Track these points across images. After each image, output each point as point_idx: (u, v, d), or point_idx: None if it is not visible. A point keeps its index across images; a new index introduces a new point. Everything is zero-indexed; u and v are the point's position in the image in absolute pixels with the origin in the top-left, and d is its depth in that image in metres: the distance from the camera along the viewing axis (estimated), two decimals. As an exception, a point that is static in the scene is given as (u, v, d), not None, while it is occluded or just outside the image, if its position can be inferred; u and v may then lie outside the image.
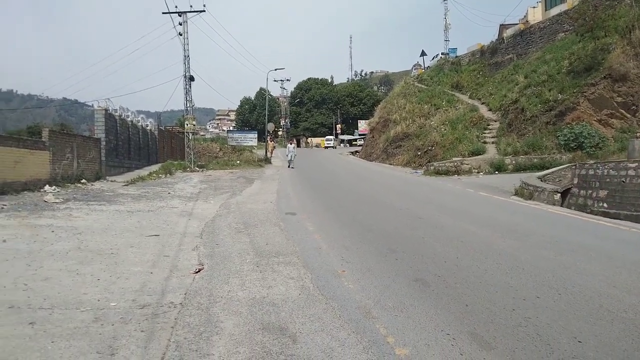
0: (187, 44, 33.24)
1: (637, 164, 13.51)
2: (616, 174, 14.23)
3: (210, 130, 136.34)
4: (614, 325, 4.92)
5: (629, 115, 23.36)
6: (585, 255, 8.02)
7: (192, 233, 9.94)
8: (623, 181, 13.88)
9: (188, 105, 33.91)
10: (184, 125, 36.11)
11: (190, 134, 34.86)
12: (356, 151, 62.20)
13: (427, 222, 11.39)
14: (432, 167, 28.04)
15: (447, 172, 26.30)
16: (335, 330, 4.80)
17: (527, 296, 5.82)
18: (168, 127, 42.11)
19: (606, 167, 14.79)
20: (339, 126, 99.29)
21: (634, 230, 11.26)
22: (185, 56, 33.32)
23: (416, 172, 29.75)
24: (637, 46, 23.30)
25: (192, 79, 33.77)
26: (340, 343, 4.48)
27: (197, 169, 31.88)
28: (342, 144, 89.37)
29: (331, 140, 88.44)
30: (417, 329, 4.82)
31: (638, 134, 21.19)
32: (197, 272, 6.97)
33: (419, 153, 34.60)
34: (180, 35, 32.86)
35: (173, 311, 5.36)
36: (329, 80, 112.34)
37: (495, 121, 33.41)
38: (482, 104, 38.75)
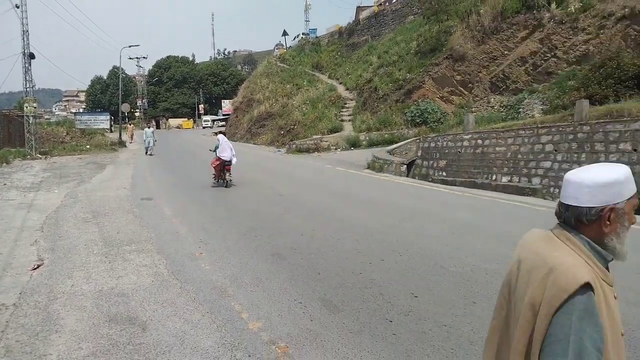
0: (26, 18, 29.17)
1: (470, 135, 15.30)
2: (453, 145, 15.99)
3: (56, 113, 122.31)
4: (445, 279, 5.56)
5: (466, 92, 26.21)
6: (424, 220, 8.92)
7: (32, 227, 8.93)
8: (459, 151, 15.66)
9: (28, 85, 29.97)
10: (23, 108, 31.89)
11: (31, 118, 30.95)
12: (220, 132, 60.82)
13: (288, 198, 11.67)
14: (294, 146, 28.69)
15: (308, 150, 27.13)
16: (189, 313, 4.72)
17: (373, 260, 6.30)
18: (5, 111, 36.85)
19: (445, 139, 16.54)
20: (202, 106, 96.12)
21: (467, 194, 12.78)
22: (23, 31, 29.22)
23: (279, 151, 30.19)
24: (474, 29, 26.05)
25: (32, 56, 29.77)
26: (193, 325, 4.42)
27: (40, 156, 28.54)
28: (207, 125, 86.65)
29: (209, 121, 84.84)
30: (271, 302, 4.95)
31: (473, 109, 23.95)
32: (35, 269, 6.31)
33: (282, 132, 35.11)
34: (17, 7, 28.70)
35: (4, 313, 4.80)
36: (191, 59, 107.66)
37: (352, 100, 35.16)
38: (340, 83, 40.42)
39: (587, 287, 1.29)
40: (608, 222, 1.38)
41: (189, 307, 4.88)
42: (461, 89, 26.37)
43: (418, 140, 18.24)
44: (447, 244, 7.08)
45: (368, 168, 17.46)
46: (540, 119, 14.22)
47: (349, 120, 31.70)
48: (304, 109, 35.88)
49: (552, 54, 22.61)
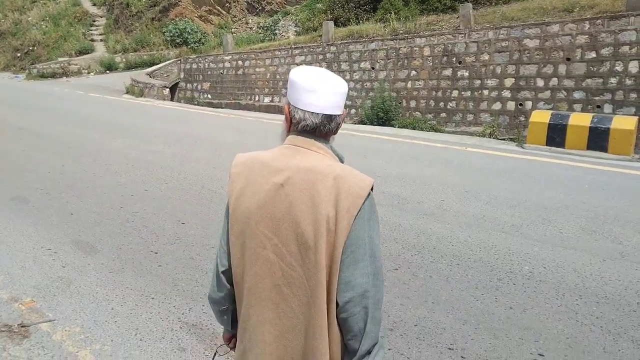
0: None
1: (230, 56, 15.19)
2: (215, 66, 15.72)
3: None
4: (212, 201, 5.55)
5: (224, 12, 25.64)
6: (190, 144, 8.69)
7: None
8: (221, 73, 15.50)
9: None
10: None
11: None
12: None
13: (30, 132, 9.91)
14: (35, 70, 24.34)
15: (54, 75, 23.38)
16: None
17: (135, 192, 5.89)
18: None
19: (207, 60, 16.11)
20: None
21: (232, 116, 12.90)
22: None
23: (17, 77, 25.29)
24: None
25: None
26: None
27: None
28: None
29: None
30: (12, 254, 4.21)
31: (232, 30, 23.70)
32: None
33: (19, 54, 29.17)
34: None
35: None
36: None
37: (102, 17, 31.04)
38: (85, -4, 35.06)
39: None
40: None
41: None
42: (219, 8, 25.70)
43: (179, 62, 17.36)
44: (214, 167, 7.06)
45: (127, 93, 16.03)
46: (294, 40, 14.92)
47: (101, 40, 28.10)
48: (44, 26, 30.27)
49: (302, -25, 23.53)
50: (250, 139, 9.28)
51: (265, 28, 22.40)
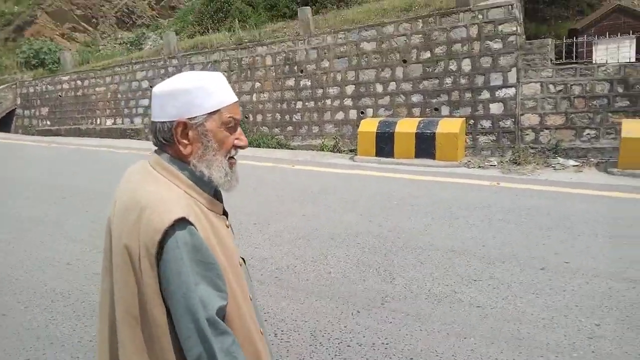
0: None
1: (69, 76, 13.48)
2: (53, 88, 13.91)
3: None
4: None
5: (91, 29, 23.57)
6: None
7: None
8: (60, 95, 13.71)
9: None
10: None
11: None
12: None
13: None
14: None
15: None
16: None
17: None
18: None
19: (44, 82, 14.23)
20: None
21: (71, 146, 11.22)
22: None
23: None
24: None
25: None
26: None
27: None
28: None
29: None
30: None
31: (100, 47, 21.76)
32: None
33: None
34: None
35: None
36: None
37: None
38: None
39: (184, 222, 1.02)
40: (186, 142, 1.10)
41: None
42: (85, 25, 23.60)
43: (14, 86, 15.27)
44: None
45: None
46: (136, 54, 13.52)
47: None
48: None
49: (173, -13, 22.24)
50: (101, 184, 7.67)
51: (133, 42, 20.78)
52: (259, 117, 10.40)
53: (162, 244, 1.01)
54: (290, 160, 8.00)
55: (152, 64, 11.86)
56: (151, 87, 11.96)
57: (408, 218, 4.87)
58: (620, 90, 7.25)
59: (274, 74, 10.16)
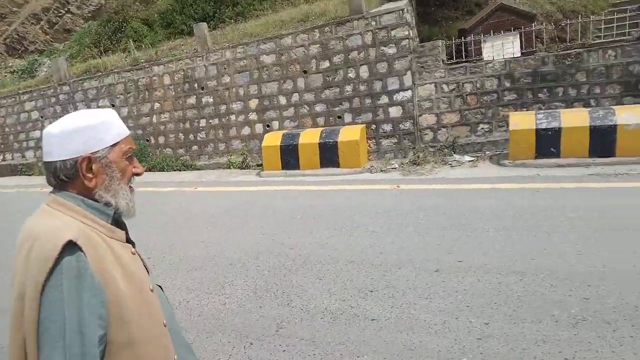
0: None
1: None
2: None
3: None
4: None
5: (-23, 59, 21.68)
6: None
7: None
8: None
9: None
10: None
11: None
12: None
13: None
14: None
15: None
16: None
17: None
18: None
19: None
20: None
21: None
22: None
23: None
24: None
25: None
26: None
27: None
28: None
29: None
30: None
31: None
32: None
33: None
34: None
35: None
36: None
37: None
38: None
39: (73, 247, 1.02)
40: (90, 175, 1.13)
41: None
42: (-32, 54, 21.69)
43: None
44: None
45: None
46: (24, 84, 12.52)
47: None
48: None
49: (66, 9, 21.03)
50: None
51: (25, 70, 19.31)
52: (161, 139, 9.92)
53: (52, 271, 1.01)
54: (193, 182, 7.64)
55: (42, 92, 10.99)
56: (42, 117, 11.14)
57: (310, 232, 4.73)
58: (507, 84, 7.62)
59: (173, 93, 9.74)
